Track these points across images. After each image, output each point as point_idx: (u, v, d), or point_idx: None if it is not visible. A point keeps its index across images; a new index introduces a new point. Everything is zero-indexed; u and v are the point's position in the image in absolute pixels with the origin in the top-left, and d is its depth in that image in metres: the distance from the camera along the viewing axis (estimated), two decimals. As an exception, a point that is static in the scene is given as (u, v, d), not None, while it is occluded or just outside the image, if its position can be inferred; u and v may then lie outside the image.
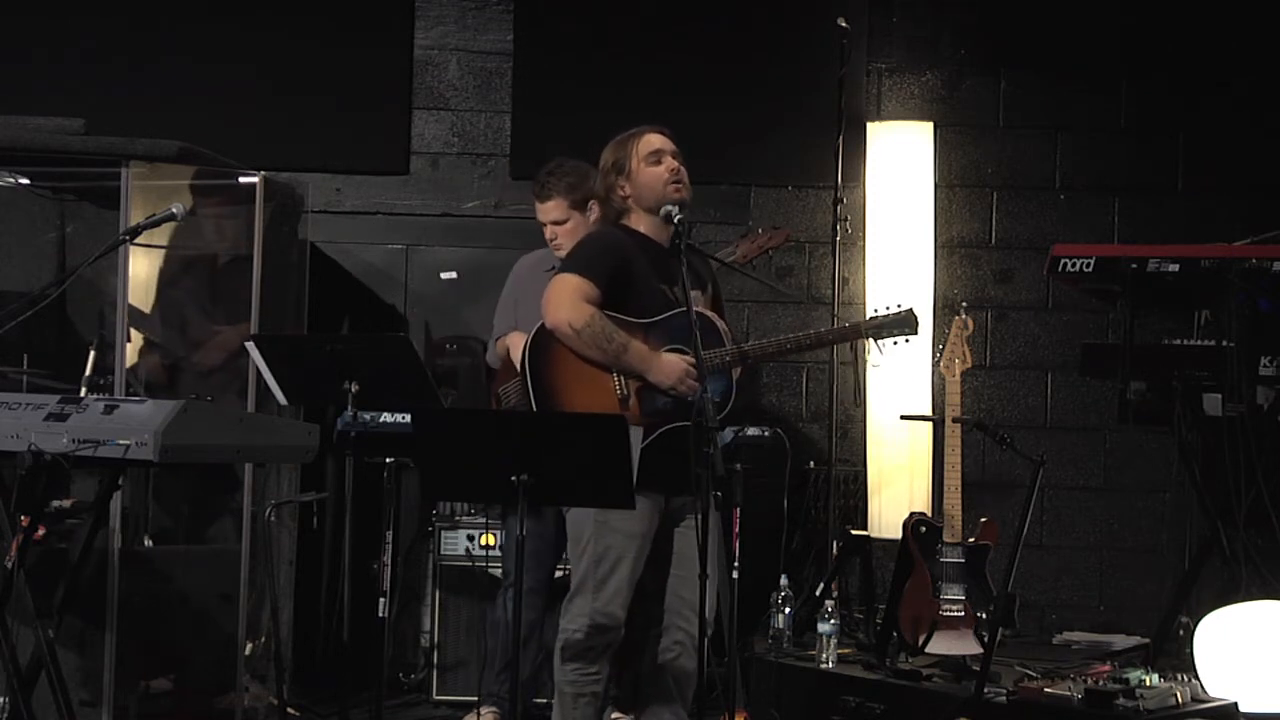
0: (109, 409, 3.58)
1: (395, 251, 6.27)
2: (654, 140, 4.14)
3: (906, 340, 4.25)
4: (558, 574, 4.99)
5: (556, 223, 4.90)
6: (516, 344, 4.88)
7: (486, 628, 5.27)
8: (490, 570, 5.37)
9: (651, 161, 4.11)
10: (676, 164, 4.12)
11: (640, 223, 4.13)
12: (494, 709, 5.02)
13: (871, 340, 4.25)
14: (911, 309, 4.24)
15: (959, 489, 4.72)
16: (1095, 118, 6.34)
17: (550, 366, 3.98)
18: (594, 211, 4.62)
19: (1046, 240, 5.93)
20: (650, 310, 4.02)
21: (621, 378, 3.98)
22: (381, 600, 4.65)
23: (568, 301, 3.96)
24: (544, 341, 4.00)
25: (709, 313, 4.11)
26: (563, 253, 4.84)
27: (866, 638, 5.16)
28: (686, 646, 4.05)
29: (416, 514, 5.77)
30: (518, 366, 4.76)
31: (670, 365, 3.96)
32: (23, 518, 3.73)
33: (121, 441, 3.48)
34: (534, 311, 4.91)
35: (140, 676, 4.99)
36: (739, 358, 4.08)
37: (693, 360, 3.95)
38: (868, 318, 4.30)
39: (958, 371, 4.79)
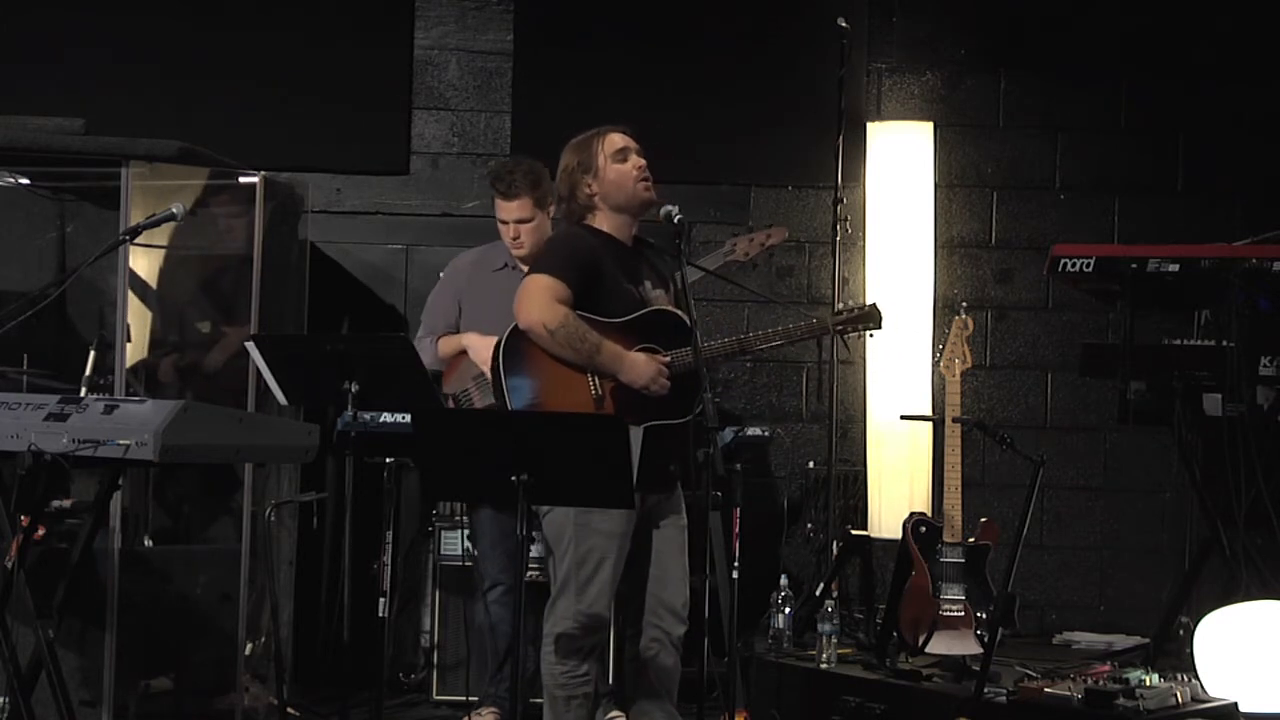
0: (109, 409, 3.58)
1: (395, 251, 6.27)
2: (617, 139, 4.10)
3: (871, 335, 4.26)
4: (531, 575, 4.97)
5: (521, 221, 4.89)
6: (476, 345, 4.88)
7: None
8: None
9: (619, 159, 4.06)
10: (643, 161, 4.09)
11: (605, 222, 4.10)
12: (494, 709, 5.02)
13: (839, 337, 4.26)
14: (875, 304, 4.25)
15: (959, 489, 4.73)
16: (1095, 118, 6.34)
17: (524, 368, 3.96)
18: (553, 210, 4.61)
19: (1046, 240, 5.93)
20: (620, 310, 4.01)
21: (596, 378, 3.97)
22: (381, 600, 4.66)
23: (541, 302, 3.92)
24: (517, 343, 3.97)
25: (678, 311, 4.09)
26: (524, 251, 4.86)
27: (866, 638, 5.16)
28: (664, 644, 4.06)
29: (416, 514, 5.77)
30: (483, 368, 4.78)
31: (642, 365, 3.96)
32: (23, 518, 3.73)
33: (121, 441, 3.48)
34: (482, 312, 4.91)
35: (140, 676, 4.99)
36: (714, 355, 4.09)
37: (665, 360, 3.97)
38: (833, 313, 4.30)
39: (958, 371, 4.80)
